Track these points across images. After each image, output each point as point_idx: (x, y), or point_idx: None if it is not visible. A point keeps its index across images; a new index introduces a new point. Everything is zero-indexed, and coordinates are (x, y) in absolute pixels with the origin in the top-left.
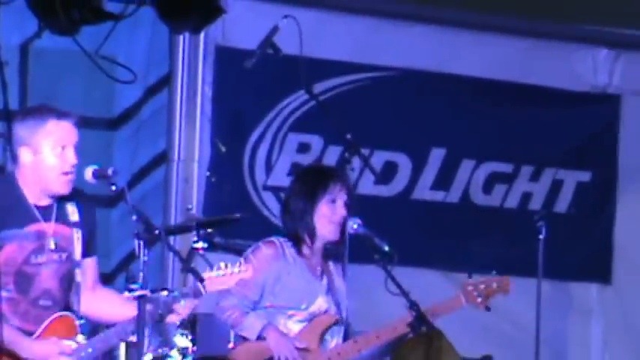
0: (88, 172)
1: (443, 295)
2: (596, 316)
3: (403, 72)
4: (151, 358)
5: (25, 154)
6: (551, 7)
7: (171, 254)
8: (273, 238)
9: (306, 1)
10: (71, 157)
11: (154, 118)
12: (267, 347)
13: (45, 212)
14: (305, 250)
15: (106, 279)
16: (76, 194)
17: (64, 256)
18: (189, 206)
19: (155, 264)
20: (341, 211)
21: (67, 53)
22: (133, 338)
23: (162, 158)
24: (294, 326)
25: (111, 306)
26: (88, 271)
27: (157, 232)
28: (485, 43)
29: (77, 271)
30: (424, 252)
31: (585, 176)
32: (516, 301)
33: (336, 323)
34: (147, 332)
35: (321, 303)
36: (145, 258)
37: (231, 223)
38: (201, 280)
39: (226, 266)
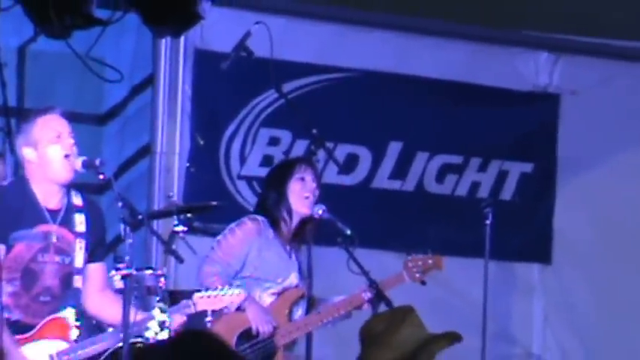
0: (78, 163)
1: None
2: (537, 293)
3: (364, 73)
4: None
5: (28, 153)
6: (497, 15)
7: (154, 237)
8: (256, 216)
9: (275, 8)
10: (68, 141)
11: (139, 115)
12: (245, 319)
13: (53, 215)
14: (283, 229)
15: None
16: (89, 206)
17: (66, 260)
18: (171, 194)
19: (140, 246)
20: (310, 185)
21: (60, 55)
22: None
23: (146, 150)
24: (267, 298)
25: (117, 310)
26: (94, 275)
27: (140, 217)
28: (438, 47)
29: (76, 278)
30: (382, 235)
31: (528, 167)
32: (465, 279)
33: (302, 297)
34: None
35: (292, 278)
36: (130, 241)
37: (209, 209)
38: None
39: (221, 288)
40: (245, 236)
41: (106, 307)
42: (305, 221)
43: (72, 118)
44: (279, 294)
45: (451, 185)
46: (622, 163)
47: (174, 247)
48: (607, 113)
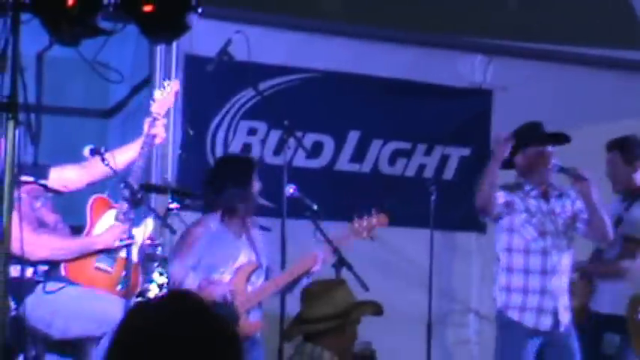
0: (87, 150)
1: (358, 242)
2: (474, 257)
3: (327, 73)
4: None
5: None
6: (439, 23)
7: (152, 213)
8: (199, 219)
9: (253, 20)
10: None
11: (138, 110)
12: (205, 295)
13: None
14: (234, 218)
15: None
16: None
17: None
18: (166, 176)
19: (140, 220)
20: (260, 185)
21: (71, 60)
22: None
23: None
24: (225, 278)
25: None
26: (59, 174)
27: (140, 196)
28: (389, 51)
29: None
30: (343, 210)
31: (466, 152)
32: (414, 247)
33: (257, 268)
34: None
35: (242, 258)
36: (132, 216)
37: (194, 195)
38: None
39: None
40: (193, 242)
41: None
42: None
43: (81, 113)
44: (235, 271)
45: (401, 167)
46: None
47: (168, 221)
48: (532, 106)
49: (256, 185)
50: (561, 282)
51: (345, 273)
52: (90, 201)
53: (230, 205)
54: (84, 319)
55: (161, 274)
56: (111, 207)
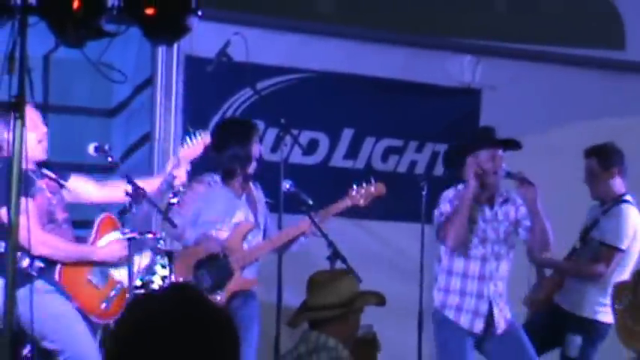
0: (91, 148)
1: (352, 236)
2: None
3: (322, 73)
4: (140, 282)
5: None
6: (430, 25)
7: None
8: (202, 177)
9: (250, 22)
10: (42, 129)
11: (141, 109)
12: (200, 250)
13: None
14: (234, 179)
15: None
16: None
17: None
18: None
19: (142, 215)
20: (260, 149)
21: (76, 61)
22: None
23: (147, 138)
24: (222, 234)
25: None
26: (80, 183)
27: (142, 191)
28: (382, 51)
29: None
30: None
31: None
32: (406, 240)
33: (254, 228)
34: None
35: (239, 215)
36: (134, 211)
37: None
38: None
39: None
40: (195, 195)
41: (113, 191)
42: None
43: (86, 112)
44: (233, 229)
45: (393, 164)
46: (530, 144)
47: (169, 215)
48: (518, 104)
49: (256, 148)
50: (498, 287)
51: (339, 265)
52: (100, 217)
53: (229, 163)
54: (56, 338)
55: (163, 266)
56: (117, 228)
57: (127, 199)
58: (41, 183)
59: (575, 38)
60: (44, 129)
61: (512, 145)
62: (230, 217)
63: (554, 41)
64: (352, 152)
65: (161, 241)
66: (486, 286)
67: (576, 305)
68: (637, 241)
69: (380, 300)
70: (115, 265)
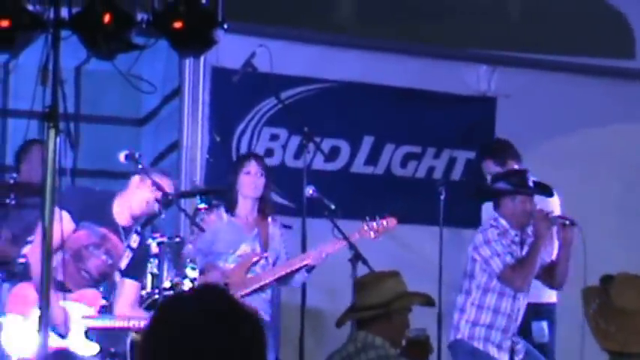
0: (122, 156)
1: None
2: None
3: (343, 83)
4: (169, 284)
5: None
6: (447, 36)
7: (182, 213)
8: (214, 209)
9: (275, 34)
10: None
11: (169, 118)
12: (203, 279)
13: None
14: (239, 210)
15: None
16: (142, 237)
17: (110, 261)
18: (195, 179)
19: (171, 220)
20: (254, 176)
21: (107, 73)
22: None
23: (175, 146)
24: (228, 266)
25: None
26: (128, 290)
27: (171, 197)
28: (401, 62)
29: (116, 273)
30: (359, 209)
31: (472, 154)
32: (425, 242)
33: (259, 259)
34: (166, 266)
35: (244, 248)
36: (163, 215)
37: (223, 191)
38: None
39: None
40: (207, 226)
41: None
42: (262, 200)
43: (117, 121)
44: (238, 260)
45: (412, 169)
46: (544, 152)
47: (197, 220)
48: (532, 112)
49: (245, 177)
50: (519, 323)
51: (360, 267)
52: None
53: (228, 198)
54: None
55: (193, 269)
56: (93, 306)
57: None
58: (107, 233)
59: (587, 48)
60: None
61: (547, 191)
62: (234, 250)
63: (567, 51)
64: (372, 158)
65: (189, 245)
66: (513, 323)
67: (532, 294)
68: None
69: (425, 300)
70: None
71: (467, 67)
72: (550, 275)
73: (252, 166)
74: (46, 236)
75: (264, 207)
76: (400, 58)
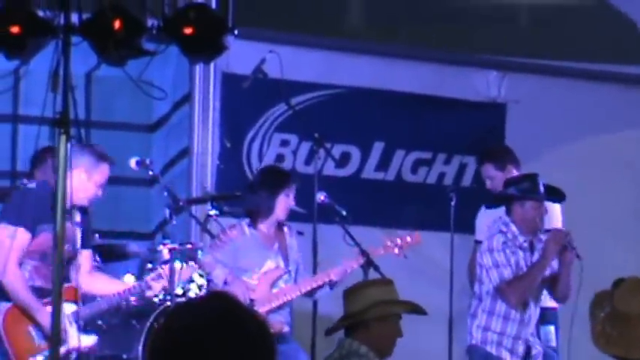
0: (133, 162)
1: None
2: None
3: (353, 89)
4: (181, 291)
5: None
6: (457, 41)
7: (193, 219)
8: (235, 223)
9: (285, 40)
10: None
11: (180, 124)
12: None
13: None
14: (262, 226)
15: (147, 237)
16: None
17: (73, 247)
18: (205, 185)
19: (182, 226)
20: (292, 201)
21: (118, 79)
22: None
23: (185, 152)
24: (253, 282)
25: (103, 284)
26: (85, 260)
27: (181, 203)
28: (411, 67)
29: (79, 256)
30: (370, 215)
31: None
32: (436, 248)
33: (283, 274)
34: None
35: (269, 264)
36: (174, 222)
37: (235, 197)
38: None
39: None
40: (229, 240)
41: (95, 284)
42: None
43: (127, 127)
44: (262, 275)
45: (423, 175)
46: (555, 157)
47: (208, 226)
48: (542, 118)
49: (284, 201)
50: (532, 329)
51: (372, 274)
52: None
53: (253, 208)
54: None
55: (201, 275)
56: (75, 301)
57: (168, 211)
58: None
59: (596, 54)
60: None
61: (559, 195)
62: (259, 267)
63: (577, 57)
64: (383, 164)
65: (199, 251)
66: (525, 329)
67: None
68: None
69: (410, 308)
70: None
71: (477, 73)
72: (553, 289)
73: (292, 191)
74: (58, 243)
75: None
76: (410, 64)
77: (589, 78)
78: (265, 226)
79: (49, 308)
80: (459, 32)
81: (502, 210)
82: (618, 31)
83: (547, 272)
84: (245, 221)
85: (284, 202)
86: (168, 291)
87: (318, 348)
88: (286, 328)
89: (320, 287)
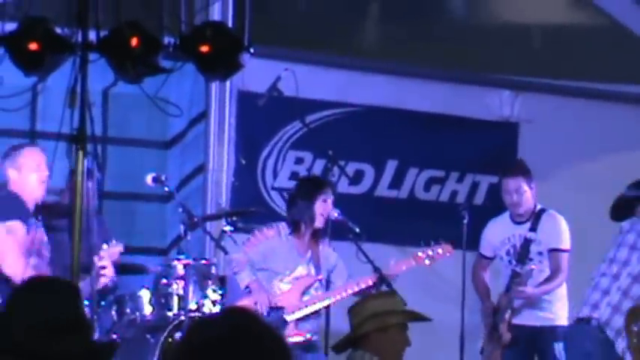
0: (149, 178)
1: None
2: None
3: (367, 107)
4: (195, 306)
5: (12, 174)
6: (471, 62)
7: (207, 235)
8: (274, 224)
9: (300, 58)
10: (44, 172)
11: (195, 141)
12: (250, 303)
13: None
14: (300, 232)
15: (162, 252)
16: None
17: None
18: (220, 202)
19: (196, 242)
20: (329, 206)
21: (134, 96)
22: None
23: (201, 169)
24: (284, 286)
25: None
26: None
27: (196, 219)
28: (425, 87)
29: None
30: (383, 232)
31: (494, 179)
32: (448, 266)
33: (314, 282)
34: (191, 288)
35: (301, 270)
36: (189, 238)
37: (250, 213)
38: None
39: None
40: (264, 239)
41: None
42: (317, 229)
43: (143, 144)
44: (294, 282)
45: (436, 193)
46: (567, 177)
47: (222, 243)
48: (555, 137)
49: (321, 207)
50: None
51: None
52: None
53: (294, 217)
54: None
55: (214, 290)
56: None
57: (183, 227)
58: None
59: (608, 74)
60: (46, 172)
61: None
62: (290, 271)
63: (589, 77)
64: (396, 182)
65: (213, 267)
66: None
67: (547, 318)
68: None
69: (409, 317)
70: None
71: (490, 92)
72: None
73: (329, 195)
74: (75, 257)
75: (318, 230)
76: (424, 83)
77: (602, 98)
78: (301, 234)
79: None
80: (472, 52)
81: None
82: (630, 51)
83: None
84: (283, 225)
85: (322, 208)
86: (181, 306)
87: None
88: (315, 337)
89: (349, 297)
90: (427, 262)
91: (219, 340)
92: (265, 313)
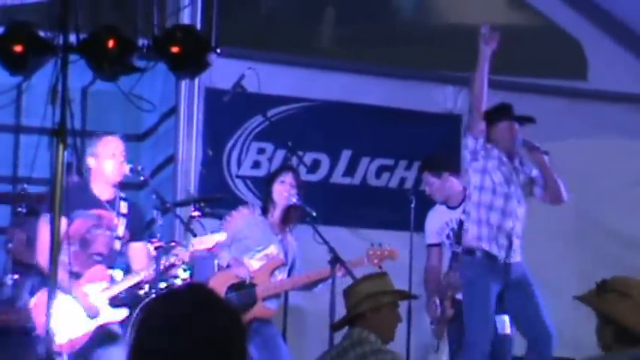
0: (126, 168)
1: (350, 243)
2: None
3: (324, 102)
4: (165, 285)
5: (91, 162)
6: (418, 59)
7: (177, 219)
8: (249, 204)
9: (262, 58)
10: (119, 158)
11: (167, 134)
12: (232, 275)
13: (107, 203)
14: (270, 214)
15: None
16: (131, 203)
17: (113, 233)
18: (189, 189)
19: (168, 226)
20: (288, 185)
21: (111, 93)
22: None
23: (171, 159)
24: (254, 262)
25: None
26: (137, 253)
27: (168, 205)
28: (376, 83)
29: (116, 242)
30: (338, 216)
31: None
32: (397, 247)
33: (282, 265)
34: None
35: (272, 249)
36: (161, 222)
37: (216, 200)
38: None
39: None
40: (239, 216)
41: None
42: (288, 209)
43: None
44: (264, 260)
45: (386, 180)
46: None
47: (191, 226)
48: None
49: (280, 185)
50: (516, 226)
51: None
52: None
53: (262, 201)
54: None
55: (185, 270)
56: (103, 280)
57: (155, 212)
58: (99, 212)
59: (544, 70)
60: (122, 158)
61: (528, 120)
62: (263, 247)
63: (525, 72)
64: (350, 170)
65: (182, 248)
66: (506, 221)
67: None
68: None
69: (398, 296)
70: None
71: (435, 87)
72: (546, 191)
73: (287, 176)
74: (54, 242)
75: (288, 217)
76: (375, 80)
77: (538, 92)
78: (271, 216)
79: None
80: (419, 51)
81: (444, 209)
82: (564, 49)
83: (522, 177)
84: (255, 206)
85: (280, 187)
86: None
87: (288, 338)
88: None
89: (314, 284)
90: (376, 261)
91: (177, 312)
92: (248, 279)
